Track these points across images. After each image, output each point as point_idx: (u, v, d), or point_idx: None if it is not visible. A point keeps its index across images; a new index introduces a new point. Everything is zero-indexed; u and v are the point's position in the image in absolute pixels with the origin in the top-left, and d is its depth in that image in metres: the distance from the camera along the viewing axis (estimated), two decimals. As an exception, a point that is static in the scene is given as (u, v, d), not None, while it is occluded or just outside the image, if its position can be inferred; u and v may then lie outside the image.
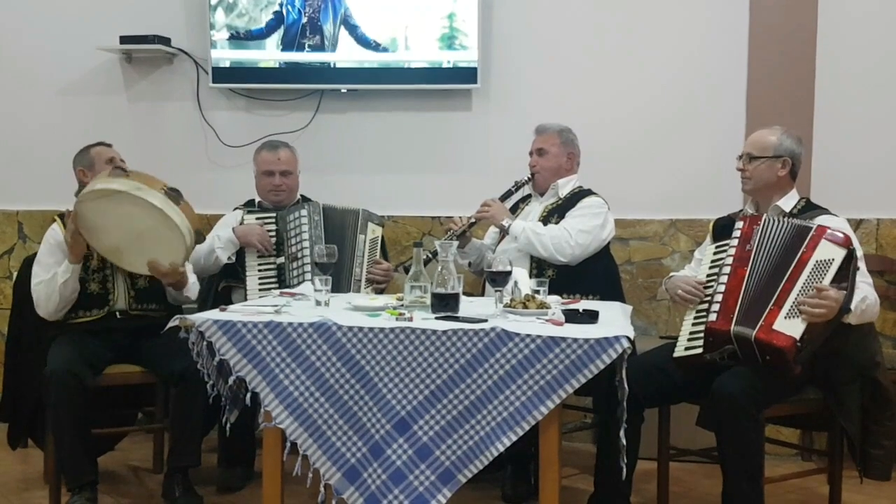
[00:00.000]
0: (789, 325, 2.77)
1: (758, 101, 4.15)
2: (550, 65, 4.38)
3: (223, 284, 3.86)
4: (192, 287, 3.57)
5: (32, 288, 3.43)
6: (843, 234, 2.86)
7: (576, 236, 3.59)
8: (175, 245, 3.28)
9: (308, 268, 3.77)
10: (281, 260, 3.83)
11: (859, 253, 2.98)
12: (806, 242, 2.86)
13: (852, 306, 2.82)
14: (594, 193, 3.76)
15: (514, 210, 3.90)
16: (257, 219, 3.89)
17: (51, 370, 3.20)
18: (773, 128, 3.19)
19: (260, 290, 3.78)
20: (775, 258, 2.90)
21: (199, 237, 3.44)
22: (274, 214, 3.89)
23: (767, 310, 2.82)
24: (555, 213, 3.70)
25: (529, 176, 3.83)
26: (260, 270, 3.83)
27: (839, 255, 2.81)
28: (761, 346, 2.79)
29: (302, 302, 3.08)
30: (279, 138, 4.18)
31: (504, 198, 3.83)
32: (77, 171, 3.60)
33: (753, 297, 2.87)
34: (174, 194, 3.30)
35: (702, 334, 2.93)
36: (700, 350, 2.93)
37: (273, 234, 3.85)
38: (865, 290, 2.92)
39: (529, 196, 3.92)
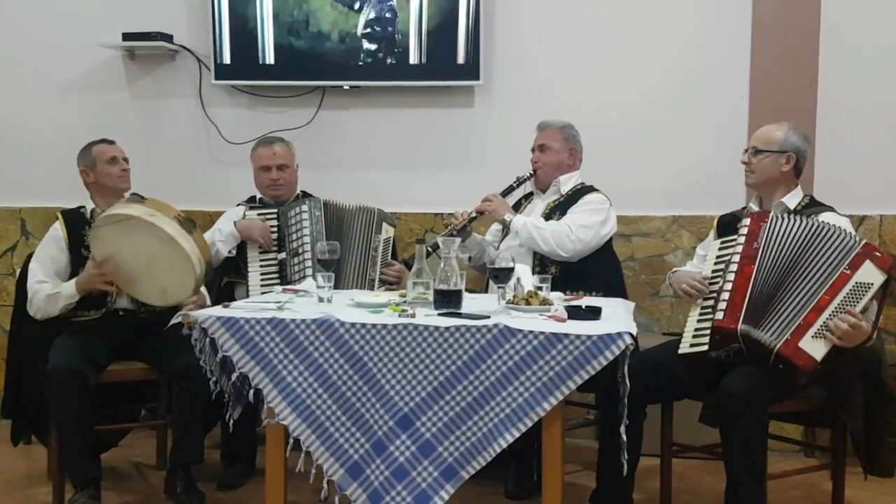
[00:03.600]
0: (814, 346, 2.74)
1: (760, 97, 4.15)
2: (553, 61, 4.38)
3: (226, 280, 3.86)
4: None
5: (29, 285, 3.43)
6: (887, 256, 2.80)
7: (576, 231, 3.59)
8: (185, 275, 3.24)
9: (309, 264, 3.77)
10: (282, 255, 3.83)
11: None
12: (850, 259, 2.78)
13: (874, 335, 2.81)
14: (596, 190, 3.75)
15: (517, 207, 3.90)
16: (259, 214, 3.89)
17: (52, 368, 3.20)
18: (781, 123, 3.18)
19: (262, 285, 3.78)
20: (791, 258, 2.86)
21: (209, 269, 3.43)
22: (275, 210, 3.89)
23: (796, 325, 2.77)
24: (557, 210, 3.70)
25: (531, 172, 3.83)
26: (262, 266, 3.83)
27: (878, 280, 2.77)
28: (781, 359, 2.76)
29: (305, 298, 3.08)
30: (281, 135, 4.19)
31: (506, 193, 3.83)
32: (80, 169, 3.58)
33: (761, 296, 2.85)
34: (188, 224, 3.28)
35: (707, 331, 2.91)
36: (705, 347, 2.91)
37: (274, 229, 3.85)
38: None
39: (532, 194, 3.92)
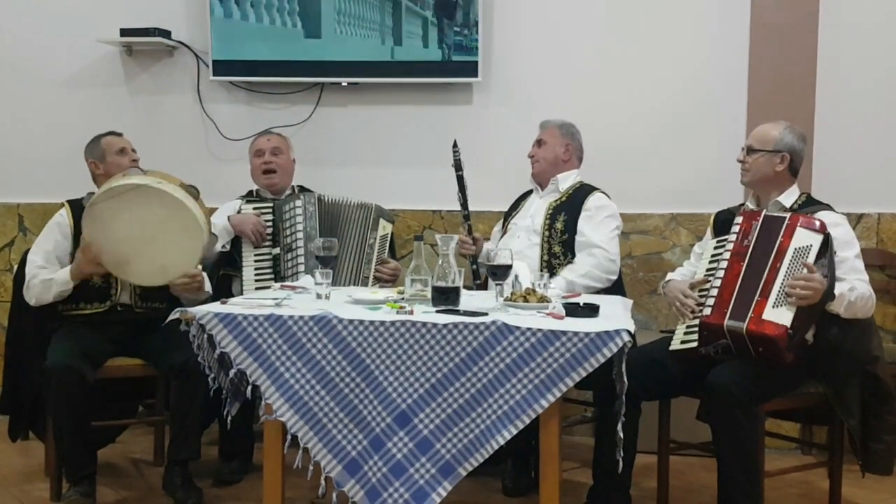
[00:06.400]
0: (778, 314, 2.79)
1: (759, 95, 4.15)
2: (552, 59, 4.38)
3: (222, 272, 3.85)
4: (207, 292, 3.55)
5: (27, 270, 3.42)
6: (818, 220, 2.88)
7: (609, 247, 3.58)
8: (191, 243, 3.23)
9: (301, 259, 3.76)
10: (276, 251, 3.83)
11: (856, 250, 3.00)
12: (782, 231, 2.88)
13: (836, 292, 2.84)
14: (596, 189, 3.74)
15: (515, 207, 3.88)
16: (255, 208, 3.89)
17: (50, 365, 3.19)
18: (778, 122, 3.19)
19: (256, 280, 3.78)
20: (762, 251, 2.91)
21: (213, 239, 3.42)
22: (271, 205, 3.89)
23: (755, 301, 2.84)
24: (561, 211, 3.67)
25: (455, 161, 3.68)
26: (256, 261, 3.82)
27: (816, 240, 2.84)
28: (753, 337, 2.80)
29: (303, 295, 3.08)
30: (279, 131, 4.19)
31: (463, 192, 3.70)
32: (88, 162, 3.58)
33: (746, 291, 2.88)
34: (192, 191, 3.28)
35: (697, 328, 2.95)
36: (695, 344, 2.94)
37: (270, 224, 3.85)
38: (856, 283, 2.92)
39: (529, 193, 3.90)
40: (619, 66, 4.33)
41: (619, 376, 2.52)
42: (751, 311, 2.83)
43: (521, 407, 2.52)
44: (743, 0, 4.18)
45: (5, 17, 4.70)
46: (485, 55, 4.34)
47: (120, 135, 3.63)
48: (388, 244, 3.93)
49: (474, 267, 3.73)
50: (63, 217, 3.48)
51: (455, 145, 3.67)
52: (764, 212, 3.02)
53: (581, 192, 3.72)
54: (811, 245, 2.84)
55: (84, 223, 3.27)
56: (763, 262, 2.89)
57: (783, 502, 3.49)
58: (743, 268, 2.92)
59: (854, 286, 2.90)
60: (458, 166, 3.68)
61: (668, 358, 3.06)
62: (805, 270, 2.79)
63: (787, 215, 2.93)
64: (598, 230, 3.60)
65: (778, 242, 2.88)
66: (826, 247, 2.85)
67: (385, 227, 3.91)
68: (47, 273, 3.39)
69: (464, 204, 3.73)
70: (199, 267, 3.43)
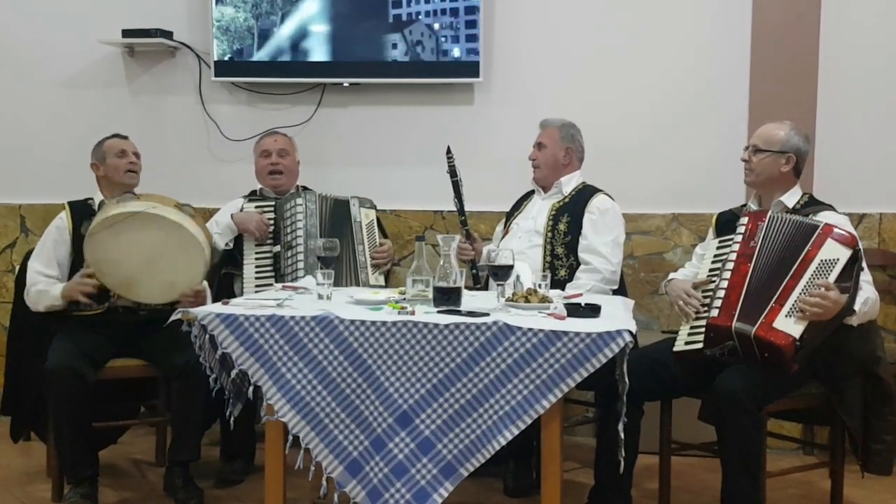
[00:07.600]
0: (789, 324, 2.76)
1: (761, 95, 4.15)
2: (553, 59, 4.38)
3: (224, 271, 3.86)
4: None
5: (28, 275, 3.43)
6: (850, 233, 2.84)
7: (611, 255, 3.56)
8: (194, 261, 3.25)
9: (301, 257, 3.77)
10: (277, 248, 3.83)
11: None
12: (812, 240, 2.83)
13: (856, 307, 2.81)
14: (599, 190, 3.74)
15: (517, 207, 3.89)
16: (256, 207, 3.89)
17: (51, 367, 3.19)
18: (783, 122, 3.18)
19: (256, 278, 3.78)
20: (778, 255, 2.89)
21: (215, 253, 3.43)
22: (273, 203, 3.90)
23: (769, 307, 2.80)
24: (564, 213, 3.67)
25: (449, 166, 3.73)
26: (257, 259, 3.84)
27: (844, 255, 2.80)
28: (760, 343, 2.78)
29: (304, 296, 3.09)
30: (284, 131, 4.19)
31: (460, 200, 3.75)
32: (91, 164, 3.59)
33: (755, 293, 2.87)
34: (187, 209, 3.29)
35: (702, 329, 2.93)
36: (700, 345, 2.92)
37: (271, 222, 3.85)
38: (867, 289, 2.90)
39: (531, 193, 3.90)
40: (620, 65, 4.33)
41: (621, 377, 2.51)
42: (762, 317, 2.79)
43: (523, 407, 2.52)
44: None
45: (7, 17, 4.70)
46: (486, 55, 4.34)
47: (125, 137, 3.64)
48: (375, 229, 3.95)
49: (474, 271, 3.74)
50: (62, 220, 3.49)
51: (449, 151, 3.70)
52: (791, 216, 2.97)
53: (584, 194, 3.71)
54: (838, 259, 2.79)
55: (86, 251, 3.30)
56: (784, 267, 2.84)
57: (784, 503, 3.49)
58: (749, 269, 2.90)
59: (868, 296, 2.88)
60: (452, 172, 3.72)
61: (670, 358, 3.04)
62: (829, 285, 2.73)
63: (821, 223, 2.87)
64: (601, 236, 3.60)
65: (805, 251, 2.83)
66: (853, 261, 2.80)
67: (368, 216, 3.94)
68: (44, 283, 3.41)
69: (460, 209, 3.76)
70: (205, 283, 3.43)
